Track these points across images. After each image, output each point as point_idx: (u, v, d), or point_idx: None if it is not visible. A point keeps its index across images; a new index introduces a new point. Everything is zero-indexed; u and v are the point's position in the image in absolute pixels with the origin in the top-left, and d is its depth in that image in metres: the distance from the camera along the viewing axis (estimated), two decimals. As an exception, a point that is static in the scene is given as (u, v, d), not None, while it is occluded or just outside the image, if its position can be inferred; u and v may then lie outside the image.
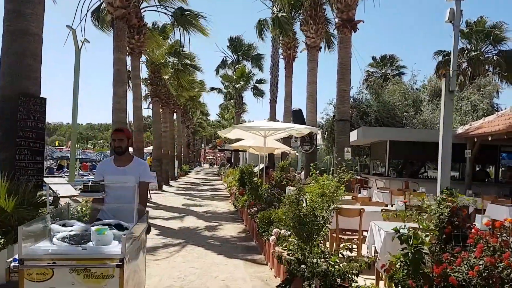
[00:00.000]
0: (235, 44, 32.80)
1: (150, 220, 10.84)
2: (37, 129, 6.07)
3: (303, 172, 17.76)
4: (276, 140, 17.70)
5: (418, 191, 11.18)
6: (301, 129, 12.33)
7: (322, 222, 4.75)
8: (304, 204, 5.10)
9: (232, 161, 33.24)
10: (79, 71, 13.16)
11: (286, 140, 19.44)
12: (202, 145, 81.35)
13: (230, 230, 9.68)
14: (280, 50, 21.30)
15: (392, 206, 7.19)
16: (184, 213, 12.46)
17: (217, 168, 53.35)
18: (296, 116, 16.01)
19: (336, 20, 12.36)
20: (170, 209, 13.27)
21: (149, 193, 15.84)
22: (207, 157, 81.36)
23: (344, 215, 6.13)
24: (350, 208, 6.40)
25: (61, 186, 7.08)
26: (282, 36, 19.65)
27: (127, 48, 15.02)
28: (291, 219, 4.89)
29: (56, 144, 70.30)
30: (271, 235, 6.07)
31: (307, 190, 5.21)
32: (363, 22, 12.53)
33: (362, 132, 14.12)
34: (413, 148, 14.65)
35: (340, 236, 6.15)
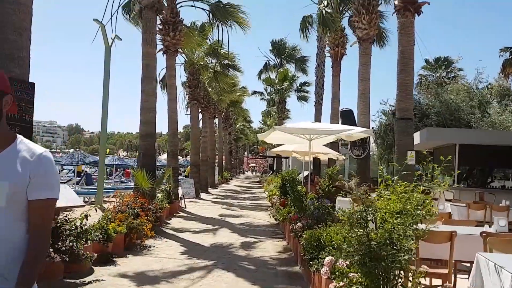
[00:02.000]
0: (278, 47, 31.43)
1: (178, 233, 9.56)
2: (22, 122, 4.89)
3: (354, 180, 15.79)
4: (323, 144, 15.96)
5: (501, 205, 9.02)
6: (355, 132, 10.56)
7: (406, 257, 3.05)
8: (373, 226, 3.44)
9: (275, 168, 31.63)
10: (109, 70, 12.27)
11: (332, 145, 17.61)
12: (245, 153, 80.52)
13: (269, 248, 8.09)
14: (327, 48, 19.57)
15: (489, 226, 5.30)
16: (219, 225, 11.05)
17: (259, 175, 52.07)
18: (346, 118, 14.17)
19: (396, 2, 10.50)
20: (203, 220, 11.92)
21: (184, 202, 14.66)
22: (250, 164, 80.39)
23: (427, 239, 4.34)
24: (437, 231, 4.58)
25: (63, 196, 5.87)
26: (329, 33, 17.96)
27: (162, 46, 14.08)
28: (357, 250, 3.23)
29: (107, 152, 72.64)
30: (322, 265, 4.43)
31: (379, 205, 3.52)
32: (428, 4, 10.60)
33: (427, 134, 12.05)
34: (486, 152, 12.34)
35: (421, 268, 4.36)
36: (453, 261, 4.43)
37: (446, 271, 4.40)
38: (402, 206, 3.38)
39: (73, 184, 17.98)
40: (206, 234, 9.61)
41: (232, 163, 52.25)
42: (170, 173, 12.19)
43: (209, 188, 23.95)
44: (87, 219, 5.65)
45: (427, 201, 3.63)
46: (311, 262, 4.87)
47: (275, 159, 32.26)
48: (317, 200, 8.30)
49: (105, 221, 6.83)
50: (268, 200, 17.44)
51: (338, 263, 4.11)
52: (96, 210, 5.90)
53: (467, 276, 4.38)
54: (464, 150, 12.23)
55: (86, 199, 15.52)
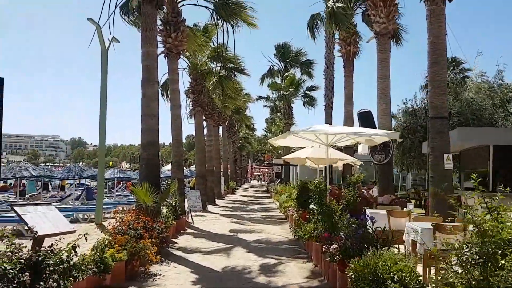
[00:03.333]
0: (283, 51, 30.38)
1: (186, 254, 8.35)
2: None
3: (374, 188, 14.60)
4: (339, 150, 14.79)
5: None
6: (381, 135, 9.45)
7: None
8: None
9: (283, 176, 30.39)
10: (106, 73, 11.19)
11: (347, 150, 16.46)
12: (249, 161, 79.32)
13: (295, 273, 6.89)
14: (337, 48, 18.51)
15: None
16: (231, 242, 9.86)
17: (265, 184, 50.75)
18: (364, 120, 13.02)
19: (423, -12, 9.41)
20: (214, 237, 10.73)
21: (191, 216, 13.48)
22: (254, 173, 79.13)
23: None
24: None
25: (44, 217, 4.69)
26: (339, 30, 16.92)
27: (163, 48, 13.04)
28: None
29: (110, 165, 71.36)
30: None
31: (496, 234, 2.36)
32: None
33: (458, 136, 10.89)
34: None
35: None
36: None
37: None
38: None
39: (72, 200, 16.85)
40: (219, 255, 8.42)
41: (237, 172, 51.06)
42: (176, 186, 11.04)
43: (216, 200, 22.75)
44: (75, 251, 4.49)
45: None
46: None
47: (282, 167, 31.02)
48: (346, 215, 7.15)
49: (101, 247, 5.68)
50: (281, 212, 16.25)
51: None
52: (86, 240, 4.72)
53: None
54: (500, 152, 11.05)
55: (86, 216, 14.37)
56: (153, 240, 7.12)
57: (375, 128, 12.66)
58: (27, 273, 4.16)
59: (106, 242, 5.85)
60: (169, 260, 7.69)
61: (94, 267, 5.01)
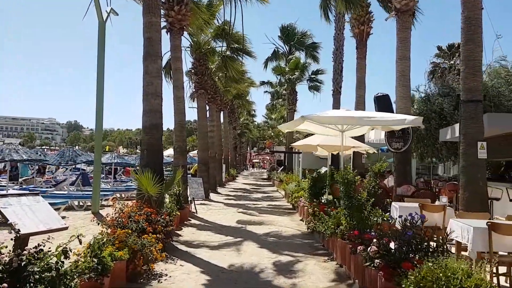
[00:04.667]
0: (287, 33, 29.25)
1: (193, 249, 7.51)
2: None
3: (390, 178, 13.78)
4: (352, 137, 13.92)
5: None
6: (408, 120, 8.65)
7: None
8: None
9: (286, 163, 29.55)
10: (103, 48, 10.22)
11: (358, 137, 15.58)
12: (248, 148, 78.49)
13: (317, 273, 6.09)
14: (348, 28, 17.45)
15: None
16: (240, 235, 9.07)
17: (265, 172, 50.02)
18: (381, 104, 12.11)
19: (456, -43, 8.43)
20: (221, 229, 9.93)
21: (194, 206, 12.68)
22: (253, 160, 78.42)
23: None
24: None
25: (29, 211, 3.80)
26: (353, 9, 15.89)
27: (165, 23, 12.02)
28: None
29: (106, 149, 70.17)
30: None
31: None
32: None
33: (487, 122, 9.99)
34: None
35: None
36: None
37: None
38: None
39: (67, 185, 15.99)
40: (228, 250, 7.62)
41: (237, 159, 50.27)
42: (181, 174, 10.17)
43: (217, 187, 21.97)
44: (67, 256, 3.63)
45: None
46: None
47: (286, 154, 30.17)
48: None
49: (98, 245, 4.83)
50: (288, 202, 15.48)
51: None
52: (80, 242, 3.85)
53: None
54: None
55: (81, 203, 13.53)
56: (157, 235, 6.28)
57: (393, 113, 11.82)
58: (5, 284, 3.33)
59: (104, 239, 4.99)
60: (174, 256, 6.88)
61: (90, 273, 4.18)
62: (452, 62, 32.43)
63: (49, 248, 3.79)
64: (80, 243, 3.75)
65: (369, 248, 4.79)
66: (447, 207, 6.97)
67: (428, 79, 32.45)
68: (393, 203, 7.67)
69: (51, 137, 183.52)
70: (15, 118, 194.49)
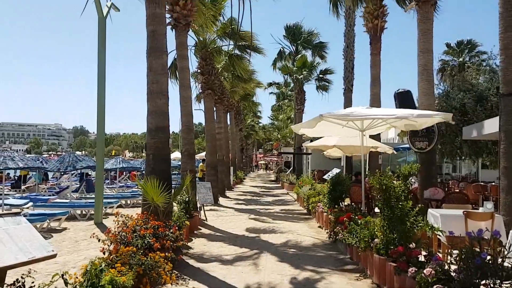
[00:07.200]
0: (293, 32, 28.48)
1: (205, 265, 6.45)
2: None
3: (412, 180, 12.90)
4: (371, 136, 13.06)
5: None
6: (436, 117, 7.88)
7: None
8: None
9: (295, 165, 28.69)
10: (104, 44, 9.48)
11: (375, 136, 14.70)
12: (253, 150, 77.64)
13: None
14: (361, 23, 16.57)
15: None
16: (256, 247, 8.25)
17: (271, 174, 49.15)
18: (403, 101, 11.26)
19: None
20: (234, 239, 9.11)
21: (204, 213, 11.88)
22: (259, 162, 77.52)
23: None
24: None
25: (5, 237, 3.01)
26: (365, 2, 15.10)
27: (170, 19, 11.26)
28: None
29: (113, 154, 69.99)
30: None
31: None
32: None
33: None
34: None
35: None
36: None
37: None
38: None
39: (70, 192, 15.26)
40: (245, 266, 6.80)
41: (243, 161, 49.46)
42: (189, 180, 9.37)
43: (226, 191, 21.17)
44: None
45: None
46: None
47: (294, 155, 29.31)
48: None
49: (95, 272, 4.04)
50: (302, 206, 14.64)
51: None
52: (66, 284, 3.05)
53: None
54: None
55: (84, 212, 12.77)
56: (166, 254, 5.47)
57: (416, 109, 10.95)
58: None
59: (103, 265, 4.19)
60: (185, 275, 6.07)
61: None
62: (461, 59, 31.54)
63: (32, 283, 3.00)
64: (66, 285, 2.95)
65: (425, 270, 3.95)
66: (496, 215, 6.11)
67: (438, 77, 31.62)
68: (429, 210, 6.81)
69: (57, 143, 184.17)
70: (22, 124, 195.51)
